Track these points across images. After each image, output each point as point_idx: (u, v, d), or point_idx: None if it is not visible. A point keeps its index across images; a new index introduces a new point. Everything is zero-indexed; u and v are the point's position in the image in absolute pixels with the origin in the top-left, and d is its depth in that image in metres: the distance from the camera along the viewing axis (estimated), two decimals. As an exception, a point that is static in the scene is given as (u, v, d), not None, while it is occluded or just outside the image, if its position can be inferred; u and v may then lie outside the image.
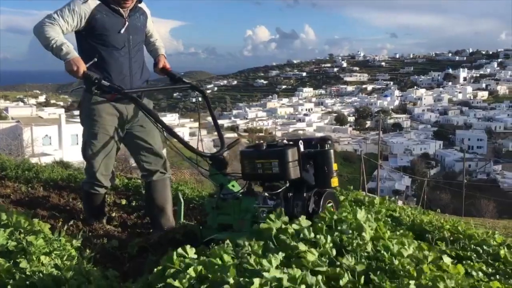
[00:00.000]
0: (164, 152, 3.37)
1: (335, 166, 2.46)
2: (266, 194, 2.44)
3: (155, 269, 1.88)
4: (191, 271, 1.74)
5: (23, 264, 2.09)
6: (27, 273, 2.06)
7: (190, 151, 2.89)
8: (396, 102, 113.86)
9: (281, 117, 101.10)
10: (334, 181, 2.45)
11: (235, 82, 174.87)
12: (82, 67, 2.80)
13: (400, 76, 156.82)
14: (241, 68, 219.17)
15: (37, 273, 2.07)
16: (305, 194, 2.40)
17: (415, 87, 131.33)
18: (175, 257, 1.85)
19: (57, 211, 3.65)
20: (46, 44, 2.80)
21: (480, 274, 2.18)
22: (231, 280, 1.64)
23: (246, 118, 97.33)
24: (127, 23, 3.03)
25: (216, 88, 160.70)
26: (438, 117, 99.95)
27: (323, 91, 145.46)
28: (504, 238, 2.68)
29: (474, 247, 2.53)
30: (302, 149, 2.44)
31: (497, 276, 2.18)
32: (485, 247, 2.50)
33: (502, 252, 2.42)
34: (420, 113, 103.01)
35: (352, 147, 75.36)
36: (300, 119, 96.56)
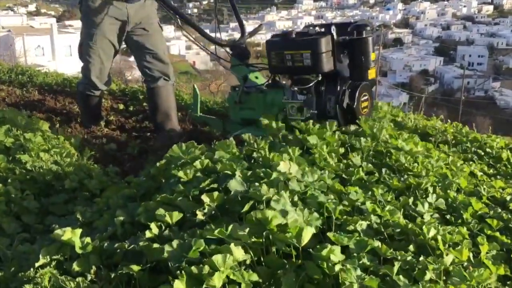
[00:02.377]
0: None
1: (373, 56, 2.23)
2: (295, 88, 2.24)
3: (159, 163, 1.86)
4: (197, 163, 1.71)
5: (24, 157, 2.06)
6: (28, 167, 2.05)
7: (208, 40, 2.71)
8: (399, 16, 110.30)
9: (279, 31, 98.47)
10: (372, 73, 2.24)
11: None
12: None
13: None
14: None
15: (37, 168, 2.05)
16: (338, 88, 2.19)
17: (419, 0, 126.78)
18: (180, 149, 1.82)
19: (53, 114, 3.60)
20: None
21: (482, 174, 2.18)
22: (238, 173, 1.61)
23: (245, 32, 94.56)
24: None
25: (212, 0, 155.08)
26: (441, 32, 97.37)
27: (323, 4, 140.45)
28: (506, 141, 2.66)
29: (476, 149, 2.52)
30: (335, 36, 2.18)
31: (498, 177, 2.19)
32: (487, 150, 2.49)
33: (504, 154, 2.41)
34: (423, 28, 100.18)
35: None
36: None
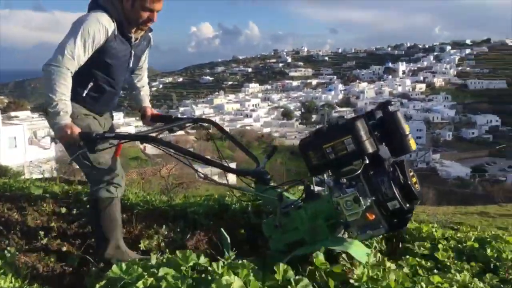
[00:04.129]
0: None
1: (407, 127, 2.21)
2: (343, 180, 2.12)
3: (98, 284, 1.80)
4: (140, 284, 1.67)
5: (-51, 287, 1.94)
6: (-45, 297, 1.92)
7: (231, 173, 2.63)
8: (340, 96, 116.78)
9: (228, 113, 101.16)
10: (413, 143, 2.20)
11: (180, 79, 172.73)
12: (76, 129, 2.45)
13: (343, 70, 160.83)
14: (186, 64, 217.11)
15: (-35, 296, 1.93)
16: (387, 167, 2.11)
17: (358, 81, 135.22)
18: (120, 269, 1.78)
19: (-11, 224, 3.44)
20: (49, 97, 2.41)
21: (420, 270, 2.25)
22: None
23: (193, 115, 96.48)
24: (132, 52, 2.71)
25: (161, 86, 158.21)
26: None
27: (269, 87, 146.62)
28: (443, 230, 2.78)
29: (414, 242, 2.61)
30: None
31: (435, 271, 2.25)
32: (425, 242, 2.58)
33: (440, 245, 2.51)
34: (363, 106, 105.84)
35: (299, 141, 76.77)
36: (247, 114, 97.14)
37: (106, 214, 2.76)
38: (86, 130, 2.53)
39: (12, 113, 47.43)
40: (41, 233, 3.21)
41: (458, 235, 2.68)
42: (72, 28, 2.49)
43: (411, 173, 2.16)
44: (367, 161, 2.08)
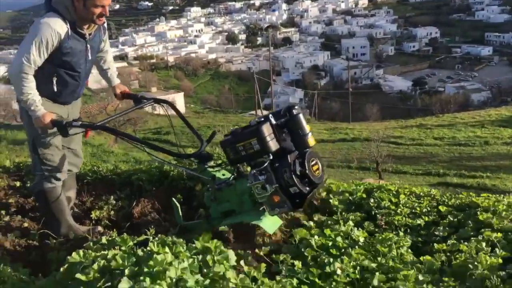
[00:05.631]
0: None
1: (308, 127, 2.72)
2: (254, 171, 2.64)
3: (62, 268, 2.28)
4: (95, 265, 2.17)
5: None
6: None
7: (173, 156, 3.16)
8: (284, 16, 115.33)
9: (171, 41, 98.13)
10: (311, 141, 2.71)
11: (117, 6, 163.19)
12: (48, 117, 2.91)
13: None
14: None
15: None
16: (289, 160, 2.61)
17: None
18: (79, 255, 2.27)
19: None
20: (20, 97, 2.88)
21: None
22: (127, 271, 2.10)
23: (135, 45, 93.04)
24: (88, 46, 3.07)
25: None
26: (324, 28, 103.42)
27: (211, 10, 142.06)
28: (338, 183, 3.39)
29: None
30: (273, 121, 2.67)
31: (329, 222, 2.86)
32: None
33: (333, 200, 3.12)
34: (308, 26, 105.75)
35: (245, 66, 76.27)
36: (192, 41, 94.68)
37: (51, 202, 3.21)
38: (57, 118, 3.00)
39: None
40: (3, 212, 3.55)
41: (352, 188, 3.32)
42: (28, 35, 2.90)
43: (314, 162, 2.70)
44: (271, 157, 2.63)
